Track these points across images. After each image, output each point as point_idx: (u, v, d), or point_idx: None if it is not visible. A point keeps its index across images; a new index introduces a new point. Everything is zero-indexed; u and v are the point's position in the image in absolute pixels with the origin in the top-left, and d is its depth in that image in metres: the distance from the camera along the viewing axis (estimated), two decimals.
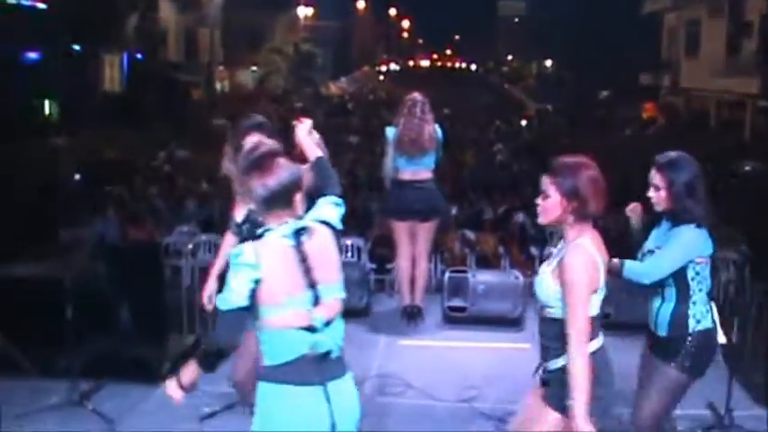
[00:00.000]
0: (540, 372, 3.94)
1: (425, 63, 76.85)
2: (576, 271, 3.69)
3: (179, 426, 5.91)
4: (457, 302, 8.16)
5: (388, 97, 37.39)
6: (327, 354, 3.53)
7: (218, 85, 25.91)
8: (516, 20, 66.38)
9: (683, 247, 4.40)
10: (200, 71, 29.50)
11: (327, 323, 3.52)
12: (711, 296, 4.58)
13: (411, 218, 7.95)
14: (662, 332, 4.49)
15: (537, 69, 54.64)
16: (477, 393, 6.34)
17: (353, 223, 9.81)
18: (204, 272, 9.98)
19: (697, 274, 4.46)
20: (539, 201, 3.81)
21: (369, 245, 10.12)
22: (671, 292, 4.49)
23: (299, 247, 3.45)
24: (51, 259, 7.85)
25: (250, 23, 34.78)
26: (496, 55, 68.20)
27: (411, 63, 74.60)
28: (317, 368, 3.52)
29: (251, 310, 3.42)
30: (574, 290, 3.68)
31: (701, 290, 4.48)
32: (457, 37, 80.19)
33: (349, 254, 9.78)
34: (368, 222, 12.23)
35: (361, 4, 66.42)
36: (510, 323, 8.03)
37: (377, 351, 7.44)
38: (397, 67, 68.61)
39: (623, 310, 7.78)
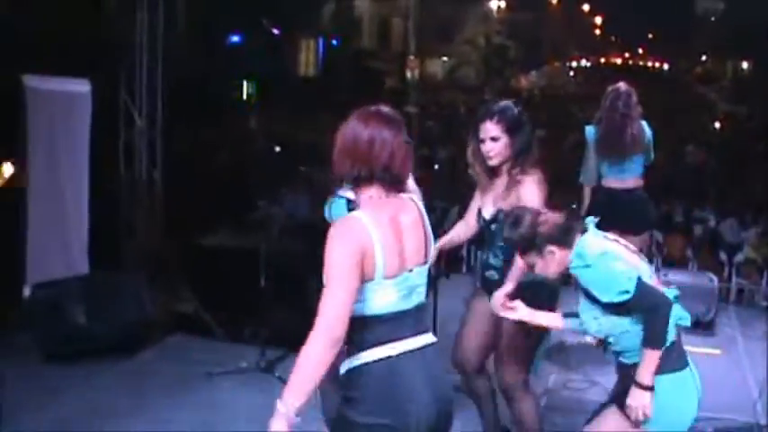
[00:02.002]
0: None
1: (617, 61, 74.88)
2: (331, 239, 3.04)
3: None
4: None
5: (578, 93, 36.69)
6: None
7: (408, 74, 26.16)
8: (713, 19, 63.65)
9: None
10: (393, 60, 29.89)
11: None
12: None
13: (619, 232, 7.60)
14: None
15: (732, 71, 52.11)
16: None
17: None
18: None
19: None
20: None
21: None
22: None
23: None
24: (246, 232, 8.16)
25: (443, 14, 34.89)
26: (690, 55, 65.72)
27: (602, 60, 72.78)
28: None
29: None
30: (327, 262, 3.02)
31: None
32: (650, 35, 77.66)
33: None
34: None
35: None
36: (701, 327, 7.74)
37: None
38: (588, 64, 67.12)
39: None
